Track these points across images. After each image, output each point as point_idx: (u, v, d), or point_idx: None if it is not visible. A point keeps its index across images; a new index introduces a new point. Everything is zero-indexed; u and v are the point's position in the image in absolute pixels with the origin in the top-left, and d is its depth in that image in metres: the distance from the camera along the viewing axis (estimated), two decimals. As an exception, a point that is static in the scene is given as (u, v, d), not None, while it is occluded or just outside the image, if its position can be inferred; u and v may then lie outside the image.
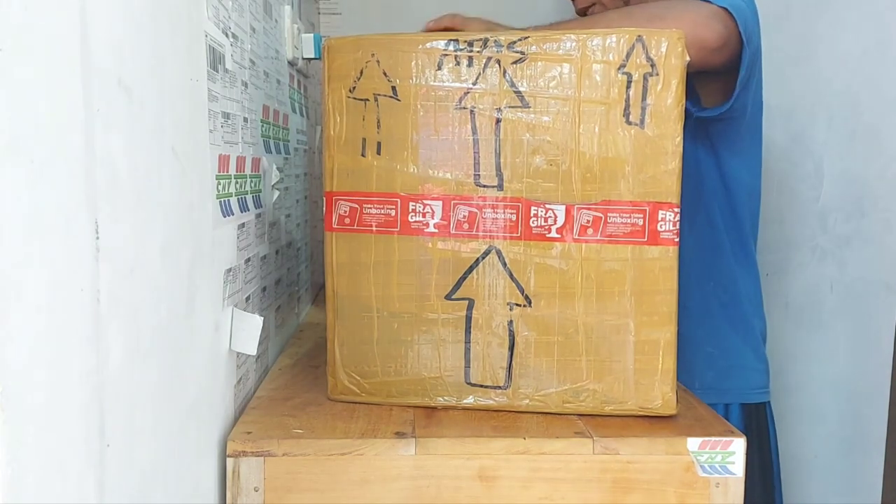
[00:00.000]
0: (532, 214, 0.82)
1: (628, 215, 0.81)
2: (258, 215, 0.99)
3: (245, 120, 0.92)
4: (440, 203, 0.83)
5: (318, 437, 0.77)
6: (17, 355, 0.39)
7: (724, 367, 1.25)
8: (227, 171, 0.83)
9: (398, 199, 0.84)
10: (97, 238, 0.48)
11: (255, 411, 0.85)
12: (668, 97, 0.79)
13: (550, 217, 0.82)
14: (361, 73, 0.83)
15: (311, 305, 1.52)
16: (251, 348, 0.85)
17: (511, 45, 0.81)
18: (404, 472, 0.77)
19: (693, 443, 0.77)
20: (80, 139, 0.46)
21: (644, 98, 0.79)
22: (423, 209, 0.84)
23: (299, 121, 1.40)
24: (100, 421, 0.49)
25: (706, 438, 0.78)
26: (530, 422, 0.82)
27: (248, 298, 0.92)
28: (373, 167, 0.84)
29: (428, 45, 0.82)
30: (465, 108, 0.82)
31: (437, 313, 0.85)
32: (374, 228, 0.85)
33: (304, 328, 1.30)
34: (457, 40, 0.82)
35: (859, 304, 1.69)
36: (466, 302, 0.84)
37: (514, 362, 0.84)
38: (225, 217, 0.81)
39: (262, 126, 1.03)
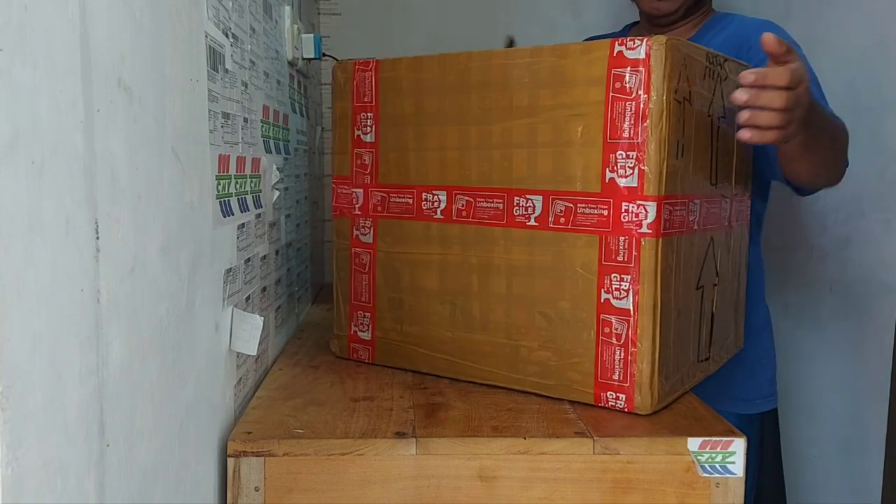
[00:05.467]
0: None
1: None
2: (258, 215, 0.99)
3: (245, 120, 0.92)
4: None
5: (319, 436, 0.77)
6: (17, 355, 0.39)
7: None
8: (227, 172, 0.83)
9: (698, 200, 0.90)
10: (97, 238, 0.48)
11: (255, 411, 0.85)
12: None
13: None
14: (680, 74, 0.82)
15: (311, 305, 1.52)
16: (251, 348, 0.85)
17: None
18: (405, 472, 0.77)
19: (693, 443, 0.77)
20: (80, 139, 0.46)
21: None
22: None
23: (299, 121, 1.40)
24: (100, 421, 0.49)
25: (706, 438, 0.78)
26: (531, 422, 0.82)
27: (248, 298, 0.92)
28: (682, 168, 0.85)
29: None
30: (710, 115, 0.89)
31: None
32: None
33: (304, 328, 1.30)
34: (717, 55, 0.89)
35: (859, 304, 1.69)
36: None
37: None
38: (225, 217, 0.81)
39: (262, 126, 1.03)
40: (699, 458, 0.77)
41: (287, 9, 1.25)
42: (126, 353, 0.53)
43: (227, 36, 0.83)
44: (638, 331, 0.82)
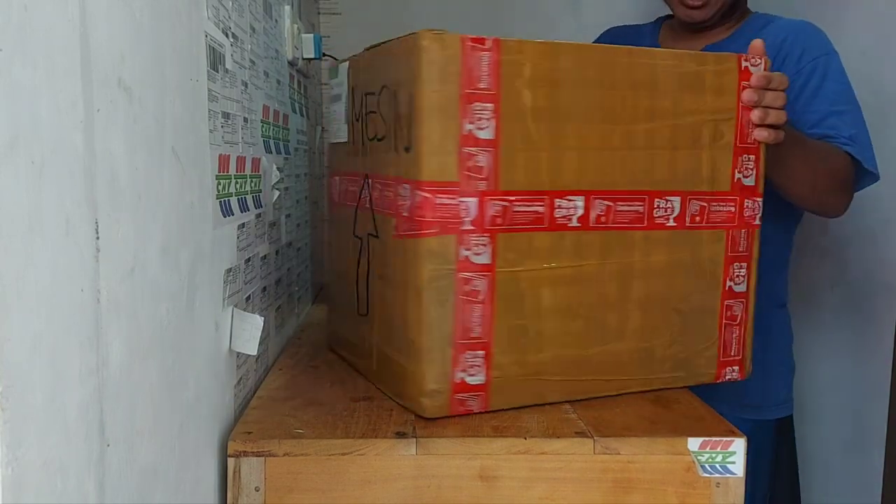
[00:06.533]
0: None
1: None
2: (258, 215, 0.99)
3: (245, 120, 0.92)
4: None
5: (319, 436, 0.77)
6: (17, 355, 0.39)
7: None
8: (228, 171, 0.83)
9: None
10: (97, 238, 0.48)
11: (255, 411, 0.85)
12: None
13: None
14: None
15: (311, 305, 1.52)
16: (251, 348, 0.85)
17: None
18: (405, 472, 0.77)
19: (693, 443, 0.77)
20: (80, 139, 0.46)
21: None
22: None
23: (299, 121, 1.40)
24: (100, 421, 0.49)
25: (707, 438, 0.78)
26: (531, 421, 0.82)
27: (248, 298, 0.92)
28: None
29: None
30: None
31: None
32: None
33: (304, 328, 1.30)
34: None
35: (859, 304, 1.69)
36: None
37: None
38: (225, 217, 0.81)
39: (262, 126, 1.03)
40: (699, 458, 0.77)
41: (287, 8, 1.25)
42: (126, 353, 0.53)
43: (227, 35, 0.83)
44: (748, 308, 0.96)
